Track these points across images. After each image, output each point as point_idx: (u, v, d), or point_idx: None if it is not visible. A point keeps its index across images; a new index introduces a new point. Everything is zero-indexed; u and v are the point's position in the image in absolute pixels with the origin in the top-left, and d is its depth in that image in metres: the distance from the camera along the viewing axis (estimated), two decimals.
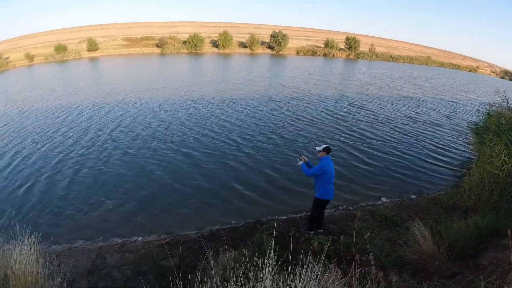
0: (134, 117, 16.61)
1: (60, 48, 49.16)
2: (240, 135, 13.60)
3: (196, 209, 8.28)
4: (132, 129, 14.75)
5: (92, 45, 51.83)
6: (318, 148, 6.11)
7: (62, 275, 3.71)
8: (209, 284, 3.39)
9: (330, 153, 6.09)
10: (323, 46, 61.48)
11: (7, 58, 45.96)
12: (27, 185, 9.67)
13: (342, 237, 4.11)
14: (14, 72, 39.05)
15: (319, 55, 57.42)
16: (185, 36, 59.52)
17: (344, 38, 60.98)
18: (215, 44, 58.64)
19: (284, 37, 57.09)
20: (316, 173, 5.96)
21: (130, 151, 12.12)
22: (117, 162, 11.17)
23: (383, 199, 8.68)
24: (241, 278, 3.05)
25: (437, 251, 5.10)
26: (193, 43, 55.56)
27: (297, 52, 58.32)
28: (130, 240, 6.81)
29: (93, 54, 51.61)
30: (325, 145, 6.11)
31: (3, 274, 3.12)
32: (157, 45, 56.34)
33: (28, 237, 3.44)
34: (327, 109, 18.29)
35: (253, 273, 3.02)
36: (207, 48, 57.81)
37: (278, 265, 3.19)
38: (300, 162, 6.27)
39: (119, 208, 8.37)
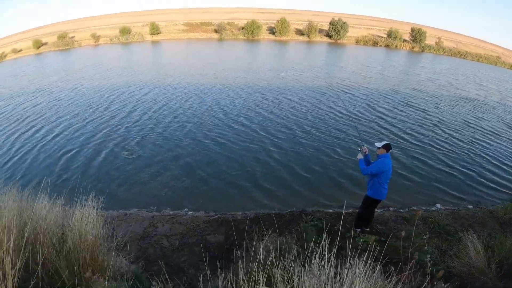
0: (198, 97, 17.31)
1: (125, 31, 51.59)
2: (277, 127, 13.28)
3: (244, 192, 8.43)
4: (197, 108, 15.37)
5: (155, 29, 53.61)
6: (377, 145, 5.67)
7: (120, 238, 3.93)
8: (251, 264, 3.39)
9: (390, 150, 5.65)
10: (385, 36, 57.77)
11: (73, 37, 49.38)
12: (89, 153, 10.57)
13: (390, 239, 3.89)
14: (80, 50, 42.05)
15: (380, 45, 53.43)
16: (243, 22, 58.82)
17: (409, 29, 56.39)
18: (272, 31, 57.53)
19: (343, 26, 54.03)
20: (374, 172, 5.55)
21: (190, 129, 12.64)
22: (176, 139, 11.74)
23: (438, 205, 8.07)
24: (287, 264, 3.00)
25: (486, 266, 4.70)
26: (250, 30, 54.98)
27: (357, 42, 54.81)
28: (181, 213, 7.10)
29: (155, 37, 53.46)
30: (386, 142, 5.65)
31: (61, 232, 3.35)
32: (216, 31, 56.72)
33: (92, 199, 3.65)
34: (374, 105, 16.99)
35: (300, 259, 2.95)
36: (264, 35, 56.92)
37: (322, 255, 3.09)
38: (360, 155, 5.90)
39: (173, 182, 8.84)
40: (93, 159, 10.21)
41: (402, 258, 3.32)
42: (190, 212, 7.18)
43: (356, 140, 11.62)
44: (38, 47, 45.80)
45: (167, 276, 2.57)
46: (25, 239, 2.58)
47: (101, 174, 9.21)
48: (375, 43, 54.21)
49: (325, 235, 2.81)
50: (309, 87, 20.55)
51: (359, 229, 6.18)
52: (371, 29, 65.13)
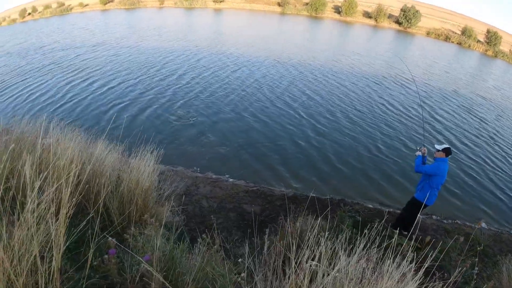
0: (248, 69, 17.32)
1: None
2: (320, 111, 12.86)
3: (287, 169, 8.41)
4: (261, 83, 15.38)
5: None
6: (437, 147, 5.32)
7: (166, 191, 4.13)
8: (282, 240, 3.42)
9: (450, 156, 5.29)
10: (459, 33, 52.89)
11: None
12: (138, 109, 11.07)
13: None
14: (145, 11, 43.15)
15: (452, 42, 48.49)
16: None
17: (484, 29, 51.13)
18: (337, 10, 54.21)
19: (416, 14, 49.53)
20: (427, 172, 5.24)
21: (244, 101, 12.81)
22: (230, 107, 12.01)
23: (483, 224, 7.55)
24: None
25: None
26: (314, 6, 52.08)
27: (428, 33, 50.17)
28: (222, 178, 7.30)
29: (218, 5, 53.14)
30: (446, 146, 5.29)
31: (117, 176, 3.55)
32: (279, 4, 54.85)
33: (152, 151, 3.83)
34: (431, 104, 15.61)
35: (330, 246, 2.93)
36: (328, 13, 53.79)
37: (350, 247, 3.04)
38: (418, 153, 5.60)
39: (220, 147, 9.10)
40: (142, 116, 10.76)
41: (434, 269, 3.16)
42: (231, 179, 7.34)
43: (403, 138, 11.00)
44: (105, 4, 47.68)
45: (215, 232, 2.66)
46: (86, 175, 2.75)
47: (153, 129, 9.64)
48: (447, 38, 49.37)
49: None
50: (365, 74, 19.50)
51: (397, 231, 5.93)
52: (444, 22, 59.60)
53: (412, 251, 2.56)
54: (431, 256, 2.50)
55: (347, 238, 2.77)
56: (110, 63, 17.19)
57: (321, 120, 11.73)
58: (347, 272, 2.23)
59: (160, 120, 10.50)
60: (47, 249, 1.90)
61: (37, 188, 1.79)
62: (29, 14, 42.32)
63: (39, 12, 43.08)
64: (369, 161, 9.37)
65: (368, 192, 7.89)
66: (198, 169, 7.79)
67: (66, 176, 2.03)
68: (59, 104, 11.72)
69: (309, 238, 2.17)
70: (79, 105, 11.63)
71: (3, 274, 1.65)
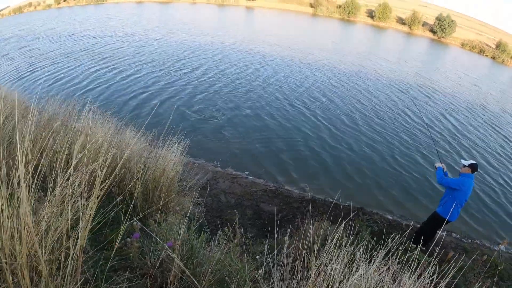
0: (272, 68, 17.26)
1: None
2: (338, 115, 12.65)
3: (308, 172, 8.34)
4: (289, 82, 15.43)
5: None
6: (464, 162, 5.17)
7: (187, 183, 4.18)
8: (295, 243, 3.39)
9: (475, 172, 5.11)
10: (493, 46, 50.92)
11: None
12: (175, 102, 11.21)
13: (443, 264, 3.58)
14: (178, 5, 43.81)
15: (486, 55, 46.52)
16: (341, 0, 54.98)
17: None
18: (371, 14, 53.20)
19: (451, 24, 48.01)
20: (450, 185, 5.06)
21: (269, 101, 12.78)
22: (254, 105, 12.07)
23: (502, 247, 7.22)
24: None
25: None
26: (348, 9, 51.41)
27: (462, 45, 48.56)
28: (242, 175, 7.32)
29: (249, 3, 53.50)
30: (473, 162, 5.11)
31: (143, 164, 3.61)
32: (311, 5, 54.52)
33: (179, 143, 3.89)
34: (454, 117, 14.99)
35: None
36: (361, 17, 53.05)
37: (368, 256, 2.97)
38: (438, 164, 5.45)
39: (241, 144, 9.14)
40: (167, 107, 10.97)
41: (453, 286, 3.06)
42: (250, 177, 7.35)
43: (424, 152, 10.56)
44: None
45: (237, 226, 2.67)
46: (116, 160, 2.81)
47: (177, 121, 9.77)
48: (481, 51, 47.69)
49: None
50: (391, 81, 19.04)
51: (415, 245, 5.76)
52: (479, 34, 57.58)
53: (432, 267, 2.49)
54: (448, 274, 2.42)
55: (367, 246, 2.72)
56: (138, 54, 17.60)
57: (338, 125, 11.55)
58: (366, 279, 2.19)
59: (184, 113, 10.64)
60: (73, 227, 1.95)
61: (73, 167, 1.84)
62: (64, 0, 43.60)
63: (75, 0, 44.40)
64: (389, 172, 9.12)
65: (387, 204, 7.68)
66: (219, 163, 7.85)
67: (104, 158, 2.08)
68: (87, 89, 12.13)
69: (330, 241, 2.14)
70: (106, 92, 11.98)
71: (30, 248, 1.70)
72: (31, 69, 14.37)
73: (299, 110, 12.23)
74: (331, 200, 7.01)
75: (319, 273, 1.96)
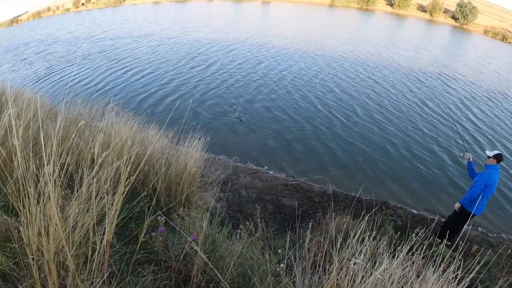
0: (286, 62, 17.11)
1: None
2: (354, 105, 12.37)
3: (330, 167, 8.22)
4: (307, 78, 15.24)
5: None
6: (488, 153, 4.94)
7: (208, 178, 4.23)
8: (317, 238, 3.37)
9: (501, 162, 4.92)
10: None
11: None
12: (194, 99, 11.35)
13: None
14: (194, 4, 44.00)
15: (509, 42, 44.89)
16: None
17: None
18: (390, 2, 51.69)
19: (473, 10, 46.28)
20: (482, 188, 4.83)
21: (287, 94, 12.74)
22: (272, 101, 12.05)
23: None
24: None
25: None
26: None
27: (485, 32, 46.38)
28: (262, 170, 7.32)
29: None
30: (498, 152, 4.90)
31: (166, 160, 3.67)
32: None
33: (200, 138, 3.93)
34: (473, 104, 14.38)
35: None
36: (380, 5, 51.60)
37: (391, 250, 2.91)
38: (465, 161, 5.28)
39: (263, 139, 9.16)
40: (187, 104, 10.99)
41: (477, 281, 2.95)
42: (271, 172, 7.35)
43: (445, 145, 10.24)
44: None
45: (259, 220, 2.68)
46: (140, 157, 2.87)
47: (197, 118, 9.87)
48: (504, 38, 45.64)
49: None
50: (410, 70, 18.49)
51: (440, 240, 5.60)
52: (503, 21, 54.89)
53: (458, 261, 2.42)
54: (473, 268, 2.34)
55: (391, 241, 2.67)
56: (154, 53, 17.91)
57: (370, 119, 11.31)
58: (389, 274, 2.15)
59: (201, 109, 10.75)
60: (100, 223, 2.01)
61: (98, 165, 1.89)
62: (82, 4, 44.46)
63: (93, 3, 45.24)
64: (411, 164, 8.89)
65: (411, 198, 7.48)
66: (239, 158, 7.89)
67: (128, 156, 2.13)
68: (106, 89, 12.47)
69: (353, 236, 2.12)
70: (124, 91, 12.31)
71: (57, 244, 1.75)
72: (49, 72, 14.84)
73: (313, 104, 12.11)
74: (353, 194, 6.89)
75: (341, 267, 1.94)
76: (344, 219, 4.95)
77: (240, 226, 2.56)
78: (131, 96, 11.86)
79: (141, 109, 10.52)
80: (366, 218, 2.41)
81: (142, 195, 2.47)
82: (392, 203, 6.77)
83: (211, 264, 1.94)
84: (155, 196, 3.30)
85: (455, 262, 2.36)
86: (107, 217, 1.90)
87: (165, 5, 43.54)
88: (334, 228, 3.27)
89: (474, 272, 2.29)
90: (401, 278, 2.26)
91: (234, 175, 6.76)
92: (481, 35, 45.05)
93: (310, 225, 2.43)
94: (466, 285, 2.31)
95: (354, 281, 1.99)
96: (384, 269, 2.13)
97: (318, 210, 5.86)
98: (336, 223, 4.85)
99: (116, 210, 1.96)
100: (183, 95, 12.00)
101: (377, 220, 5.70)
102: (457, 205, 5.22)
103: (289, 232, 4.48)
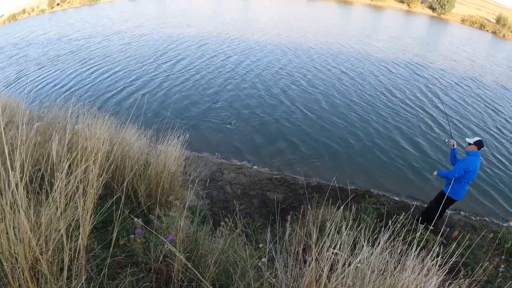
0: (274, 57, 17.10)
1: None
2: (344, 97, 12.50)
3: (313, 159, 8.29)
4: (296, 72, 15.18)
5: None
6: (468, 140, 5.01)
7: (191, 176, 4.18)
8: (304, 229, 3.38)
9: (482, 149, 4.97)
10: (493, 21, 49.55)
11: None
12: (175, 97, 11.30)
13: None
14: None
15: (487, 30, 45.02)
16: None
17: None
18: None
19: (450, 0, 46.86)
20: (461, 173, 4.92)
21: (268, 88, 12.68)
22: (252, 95, 11.97)
23: (511, 223, 7.14)
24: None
25: None
26: None
27: (462, 21, 46.80)
28: (246, 166, 7.31)
29: None
30: (478, 138, 4.96)
31: (145, 160, 3.61)
32: None
33: (178, 136, 3.87)
34: (453, 95, 14.46)
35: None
36: None
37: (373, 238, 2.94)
38: (450, 147, 5.34)
39: (245, 135, 9.12)
40: (168, 103, 10.98)
41: (459, 265, 3.01)
42: (255, 167, 7.34)
43: (429, 130, 10.44)
44: None
45: (237, 216, 2.66)
46: (114, 157, 2.81)
47: (179, 116, 9.80)
48: (482, 26, 46.46)
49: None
50: (379, 60, 18.60)
51: (423, 225, 5.68)
52: (479, 9, 56.17)
53: (437, 246, 2.45)
54: (456, 252, 2.38)
55: (370, 229, 2.69)
56: (123, 52, 17.39)
57: (352, 109, 11.45)
58: (369, 262, 2.17)
59: (185, 107, 10.60)
60: (75, 228, 1.96)
61: (66, 168, 1.83)
62: (58, 4, 43.06)
63: (68, 2, 43.80)
64: (395, 153, 9.02)
65: (395, 185, 7.62)
66: (223, 155, 7.85)
67: (94, 157, 2.07)
68: (80, 90, 12.02)
69: (330, 226, 2.12)
70: (98, 92, 11.86)
71: (29, 251, 1.70)
72: (20, 76, 14.28)
73: (288, 96, 12.16)
74: (337, 185, 6.95)
75: (316, 258, 1.94)
76: (327, 210, 5.01)
77: (221, 222, 2.54)
78: (101, 96, 11.41)
79: (119, 109, 10.21)
80: (342, 207, 2.42)
81: (123, 197, 2.41)
82: (375, 192, 6.87)
83: (191, 263, 1.92)
84: (136, 198, 3.25)
85: (433, 248, 2.39)
86: (81, 221, 1.85)
87: (143, 1, 42.51)
88: (311, 219, 3.28)
89: (456, 255, 2.32)
90: (382, 265, 2.27)
91: (219, 172, 6.72)
92: (459, 24, 45.80)
93: (289, 218, 2.41)
94: (448, 269, 2.35)
95: (335, 270, 1.99)
96: (364, 258, 2.14)
97: (303, 202, 5.87)
98: (319, 214, 4.88)
99: (89, 213, 1.90)
100: (150, 91, 11.74)
101: (359, 208, 5.79)
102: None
103: (275, 225, 4.47)
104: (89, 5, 42.32)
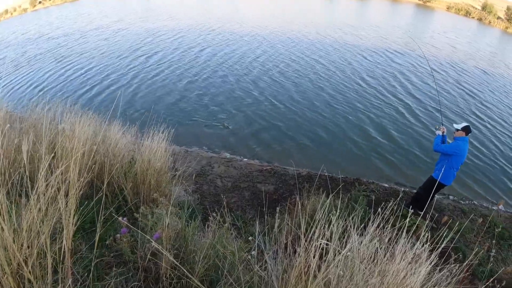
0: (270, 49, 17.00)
1: None
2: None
3: (302, 149, 8.31)
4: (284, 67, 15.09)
5: None
6: (456, 126, 5.07)
7: (180, 171, 4.12)
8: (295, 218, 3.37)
9: (470, 134, 5.05)
10: (479, 8, 49.92)
11: None
12: (163, 93, 11.12)
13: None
14: None
15: (472, 17, 45.09)
16: None
17: (504, 6, 48.08)
18: None
19: None
20: (446, 151, 5.02)
21: (260, 82, 12.58)
22: (243, 88, 11.87)
23: (501, 206, 7.23)
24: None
25: None
26: None
27: (448, 8, 46.94)
28: (236, 158, 7.27)
29: None
30: (466, 124, 5.02)
31: (131, 157, 3.54)
32: None
33: (163, 131, 3.80)
34: (443, 80, 14.63)
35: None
36: None
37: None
38: (438, 132, 5.38)
39: (234, 128, 9.05)
40: (154, 98, 10.85)
41: (449, 250, 3.04)
42: (245, 159, 7.31)
43: (420, 117, 10.58)
44: None
45: (225, 210, 2.63)
46: (98, 156, 2.74)
47: (166, 111, 9.68)
48: (467, 13, 46.61)
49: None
50: (377, 48, 18.64)
51: (412, 210, 5.72)
52: None
53: (427, 231, 2.46)
54: (446, 237, 2.39)
55: (360, 217, 2.68)
56: (101, 47, 17.06)
57: (338, 97, 11.45)
58: (359, 251, 2.16)
59: (172, 102, 10.49)
60: (59, 230, 1.90)
61: (46, 168, 1.77)
62: (40, 2, 41.92)
63: (50, 0, 42.70)
64: (385, 140, 9.10)
65: (385, 172, 7.70)
66: (212, 149, 7.80)
67: (74, 156, 2.00)
68: (66, 91, 11.80)
69: (320, 215, 2.10)
70: (84, 90, 11.69)
71: (12, 259, 1.65)
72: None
73: (272, 84, 12.22)
74: (326, 173, 6.95)
75: (306, 249, 1.93)
76: (318, 198, 5.01)
77: (209, 217, 2.50)
78: (84, 95, 11.23)
79: (100, 106, 10.00)
80: (331, 196, 2.40)
81: (109, 196, 2.35)
82: (364, 179, 6.89)
83: (180, 260, 1.89)
84: (122, 196, 3.19)
85: (424, 231, 2.40)
86: (64, 223, 1.80)
87: None
88: (299, 209, 3.27)
89: (448, 239, 2.32)
90: (372, 253, 2.27)
91: (208, 166, 6.67)
92: (444, 11, 45.95)
93: (278, 209, 2.38)
94: (438, 253, 2.35)
95: (324, 260, 1.98)
96: (354, 246, 2.13)
97: (294, 193, 5.88)
98: (308, 204, 4.89)
99: (72, 214, 1.85)
100: (153, 89, 11.53)
101: (350, 196, 5.81)
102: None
103: (261, 218, 4.47)
104: (72, 1, 41.28)
